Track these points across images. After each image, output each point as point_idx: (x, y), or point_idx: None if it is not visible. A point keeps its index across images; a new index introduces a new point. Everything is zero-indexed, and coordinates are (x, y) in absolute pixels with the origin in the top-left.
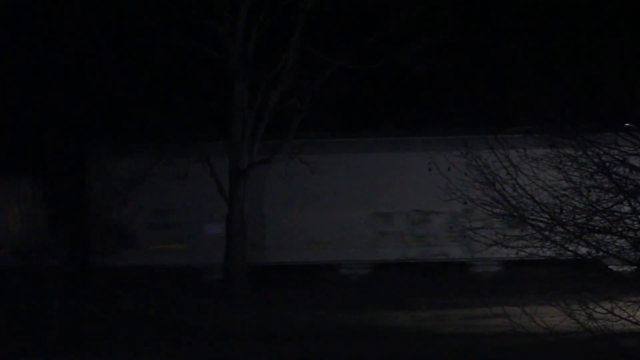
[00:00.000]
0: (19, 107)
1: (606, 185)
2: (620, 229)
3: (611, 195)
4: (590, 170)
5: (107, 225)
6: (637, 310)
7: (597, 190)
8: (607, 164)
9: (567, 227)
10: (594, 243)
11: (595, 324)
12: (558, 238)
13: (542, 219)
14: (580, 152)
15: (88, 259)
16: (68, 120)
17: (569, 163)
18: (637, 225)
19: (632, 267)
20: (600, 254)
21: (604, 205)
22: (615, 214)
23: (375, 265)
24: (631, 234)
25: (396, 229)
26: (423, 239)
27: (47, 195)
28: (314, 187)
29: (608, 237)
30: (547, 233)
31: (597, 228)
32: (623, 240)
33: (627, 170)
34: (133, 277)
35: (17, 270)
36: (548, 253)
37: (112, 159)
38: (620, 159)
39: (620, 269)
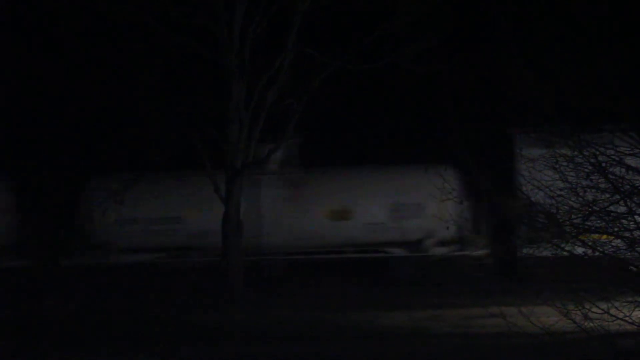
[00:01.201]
0: None
1: (602, 186)
2: (616, 229)
3: (607, 195)
4: (587, 170)
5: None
6: (634, 310)
7: (593, 190)
8: (604, 164)
9: (564, 228)
10: (590, 243)
11: (591, 324)
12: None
13: (538, 219)
14: (576, 152)
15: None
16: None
17: (565, 163)
18: (633, 226)
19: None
20: (597, 254)
21: (600, 206)
22: (612, 214)
23: None
24: (627, 234)
25: None
26: None
27: (472, 186)
28: None
29: (604, 237)
30: (543, 233)
31: (593, 228)
32: (619, 241)
33: (623, 170)
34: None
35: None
36: (544, 253)
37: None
38: (617, 159)
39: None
